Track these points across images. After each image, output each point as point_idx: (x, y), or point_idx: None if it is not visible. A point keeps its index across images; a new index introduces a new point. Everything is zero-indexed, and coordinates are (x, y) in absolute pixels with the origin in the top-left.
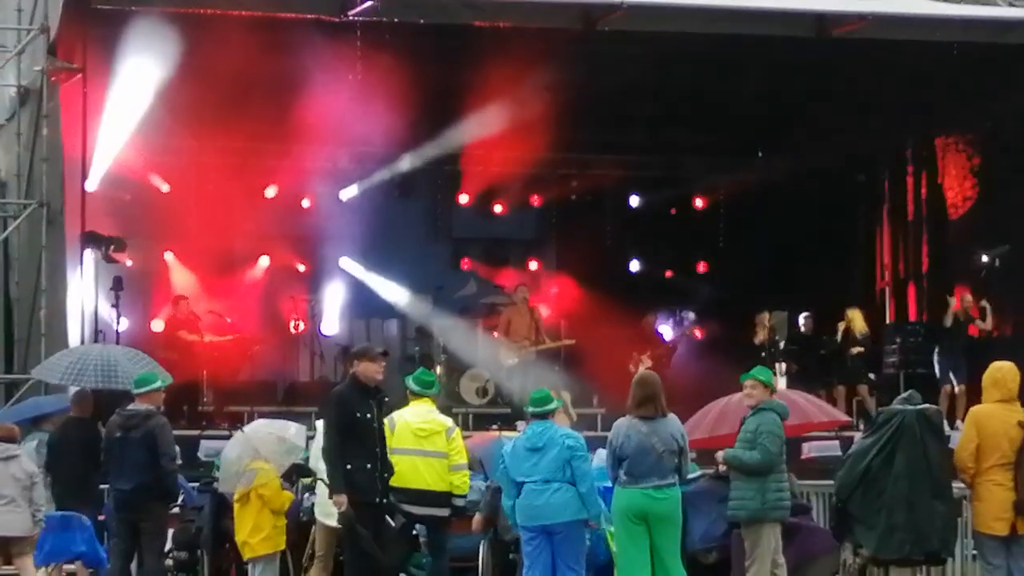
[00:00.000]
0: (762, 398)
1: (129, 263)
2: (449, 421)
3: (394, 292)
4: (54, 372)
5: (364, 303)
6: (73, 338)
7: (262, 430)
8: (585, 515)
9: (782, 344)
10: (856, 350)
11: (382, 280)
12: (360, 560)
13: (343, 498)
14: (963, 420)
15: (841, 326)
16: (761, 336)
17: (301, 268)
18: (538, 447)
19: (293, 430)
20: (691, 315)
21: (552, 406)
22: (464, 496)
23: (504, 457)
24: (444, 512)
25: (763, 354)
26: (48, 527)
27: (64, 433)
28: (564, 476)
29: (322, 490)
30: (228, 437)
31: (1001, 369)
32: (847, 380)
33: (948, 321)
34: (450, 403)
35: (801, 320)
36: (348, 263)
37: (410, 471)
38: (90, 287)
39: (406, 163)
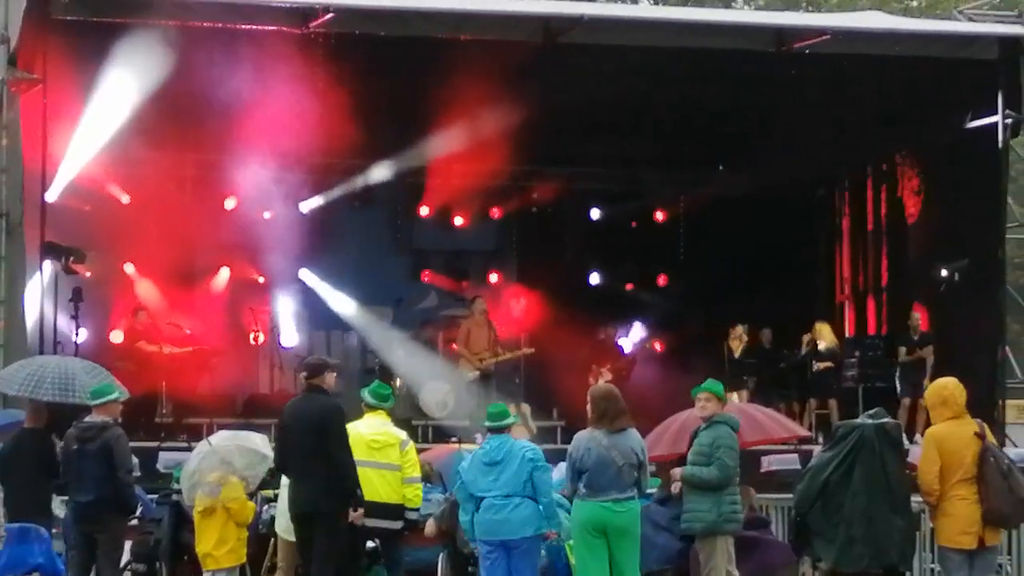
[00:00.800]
0: (715, 411)
1: (88, 274)
2: (403, 434)
3: (350, 305)
4: (11, 383)
5: (324, 315)
6: (32, 349)
7: (228, 442)
8: (545, 529)
9: (741, 361)
10: (823, 365)
11: (340, 293)
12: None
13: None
14: (922, 434)
15: (806, 338)
16: (737, 348)
17: (261, 280)
18: (497, 461)
19: (258, 440)
20: (649, 329)
21: (509, 420)
22: (417, 509)
23: (461, 473)
24: (397, 525)
25: (732, 366)
26: (6, 539)
27: (17, 444)
28: (525, 490)
29: (282, 504)
30: (187, 449)
31: (947, 387)
32: (817, 394)
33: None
34: (411, 415)
35: (762, 335)
36: (307, 275)
37: (363, 483)
38: (49, 298)
39: (367, 175)
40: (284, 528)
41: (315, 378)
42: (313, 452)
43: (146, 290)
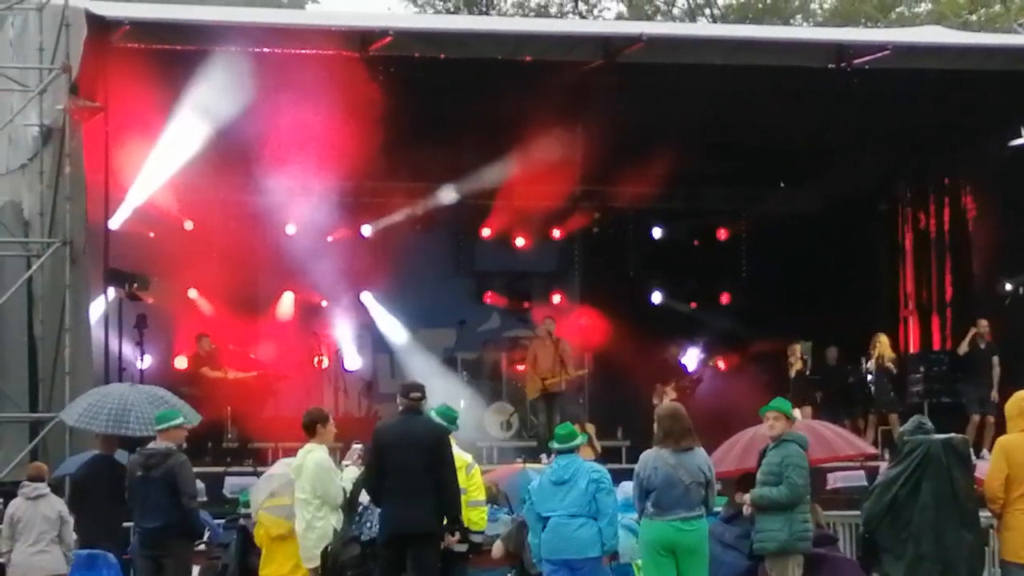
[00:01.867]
0: (784, 430)
1: (151, 301)
2: (469, 457)
3: (401, 332)
4: (72, 414)
5: (386, 337)
6: (97, 377)
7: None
8: (607, 550)
9: (807, 376)
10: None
11: (393, 317)
12: None
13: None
14: (990, 449)
15: (874, 352)
16: (797, 367)
17: (324, 304)
18: (564, 480)
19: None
20: (712, 347)
21: (577, 441)
22: (481, 532)
23: (530, 493)
24: (461, 548)
25: (794, 384)
26: (75, 565)
27: (90, 471)
28: (590, 510)
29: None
30: (253, 474)
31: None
32: (880, 409)
33: (963, 348)
34: (475, 437)
35: (828, 352)
36: (368, 298)
37: None
38: (114, 325)
39: (429, 199)
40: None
41: (417, 400)
42: (422, 473)
43: (209, 315)
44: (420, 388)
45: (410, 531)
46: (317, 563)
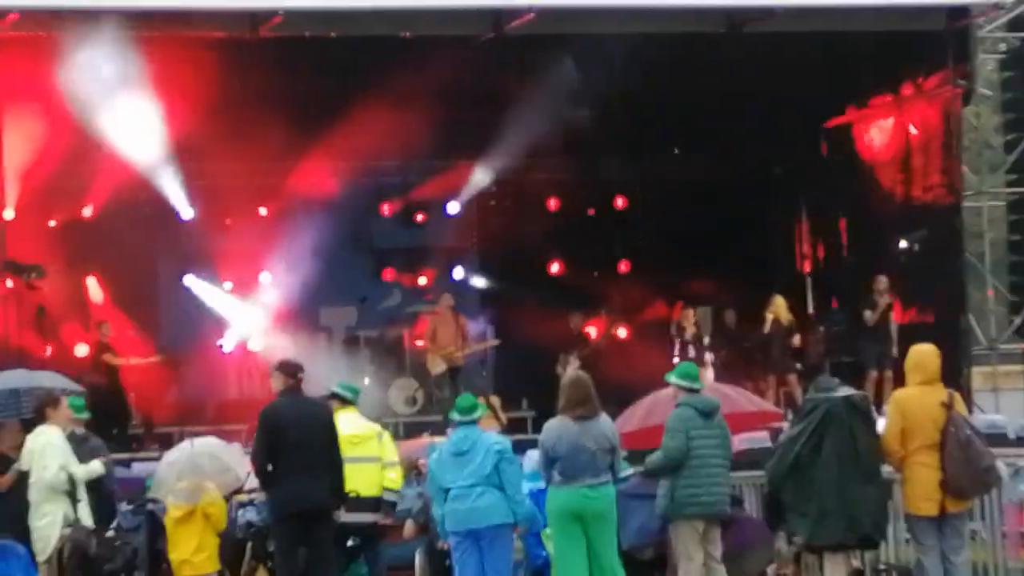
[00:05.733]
0: (680, 395)
1: (48, 290)
2: (377, 426)
3: (312, 308)
4: None
5: (289, 317)
6: None
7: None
8: (512, 519)
9: (706, 339)
10: (796, 339)
11: (302, 295)
12: None
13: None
14: None
15: (769, 316)
16: (690, 331)
17: (228, 286)
18: (463, 451)
19: (221, 446)
20: (613, 315)
21: (478, 413)
22: (398, 491)
23: (431, 466)
24: (377, 517)
25: (689, 348)
26: None
27: None
28: (491, 480)
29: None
30: (159, 459)
31: (920, 352)
32: (777, 370)
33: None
34: (380, 413)
35: (725, 315)
36: (269, 278)
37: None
38: (12, 315)
39: (326, 177)
40: None
41: (298, 380)
42: (320, 452)
43: (109, 303)
44: (302, 368)
45: (311, 508)
46: (47, 555)
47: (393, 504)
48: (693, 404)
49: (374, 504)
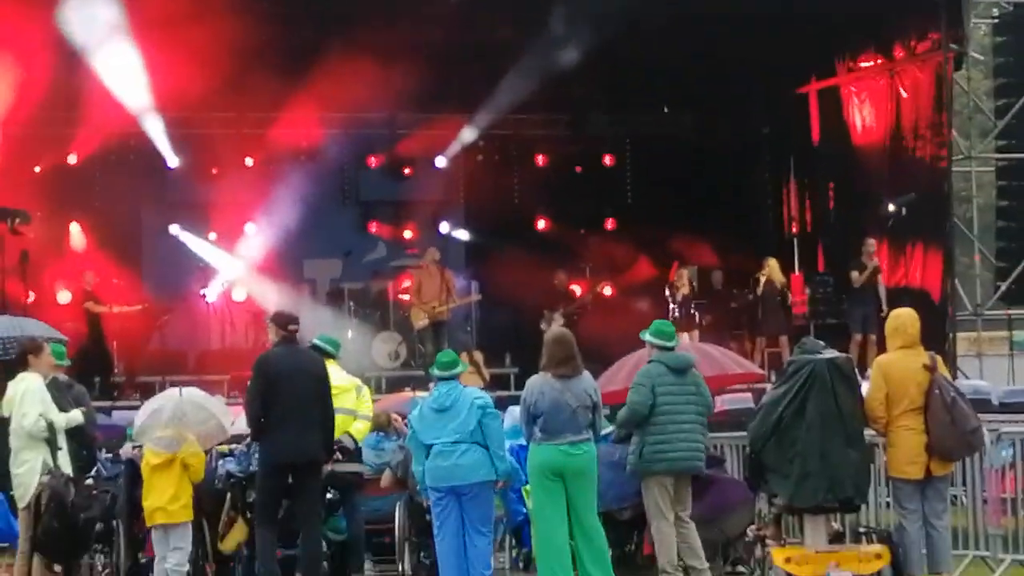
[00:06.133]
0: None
1: (33, 236)
2: (357, 380)
3: (297, 259)
4: None
5: (273, 268)
6: None
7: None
8: (495, 476)
9: (692, 302)
10: (790, 300)
11: (287, 246)
12: None
13: None
14: None
15: (762, 277)
16: (684, 291)
17: (212, 236)
18: (446, 407)
19: (204, 397)
20: (599, 272)
21: (459, 369)
22: (354, 442)
23: (412, 422)
24: (361, 468)
25: (677, 308)
26: None
27: None
28: (474, 436)
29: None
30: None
31: (900, 316)
32: (771, 331)
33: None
34: (363, 366)
35: (712, 276)
36: (254, 229)
37: None
38: None
39: (313, 128)
40: None
41: (295, 331)
42: (313, 403)
43: (93, 250)
44: (296, 319)
45: (303, 459)
46: (26, 502)
47: (346, 449)
48: (664, 361)
49: (355, 455)
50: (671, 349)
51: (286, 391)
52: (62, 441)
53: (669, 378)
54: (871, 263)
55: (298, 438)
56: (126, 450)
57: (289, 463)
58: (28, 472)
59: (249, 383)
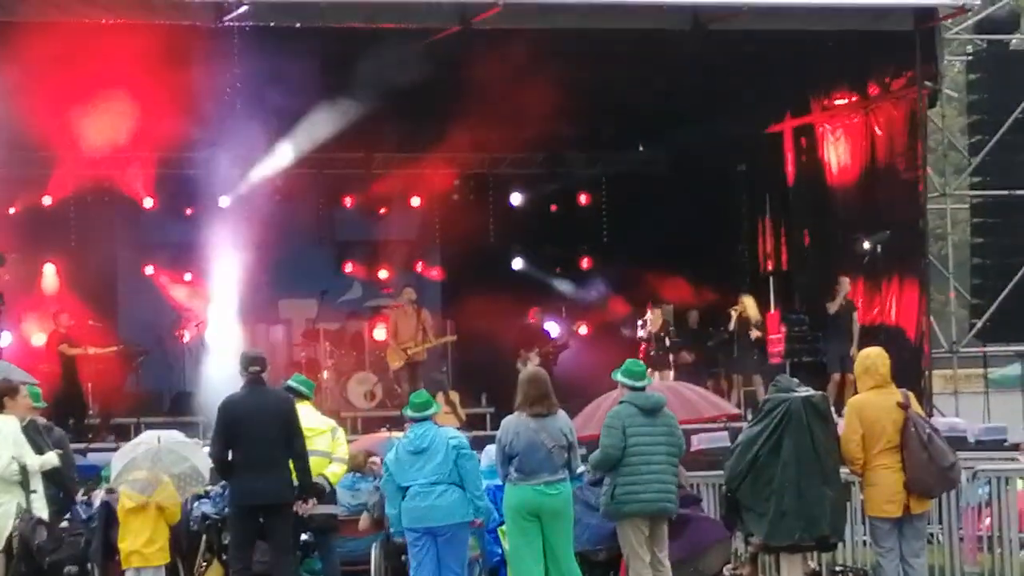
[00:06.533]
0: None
1: (7, 278)
2: (332, 422)
3: (273, 299)
4: None
5: (249, 309)
6: None
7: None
8: (472, 516)
9: (667, 341)
10: (755, 334)
11: (263, 286)
12: None
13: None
14: None
15: (734, 313)
16: (656, 328)
17: (187, 277)
18: (423, 449)
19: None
20: (575, 312)
21: (432, 410)
22: (329, 484)
23: (387, 465)
24: (337, 509)
25: (654, 347)
26: None
27: None
28: (451, 477)
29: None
30: (115, 450)
31: (869, 356)
32: (745, 369)
33: (833, 307)
34: (339, 407)
35: (689, 315)
36: (231, 269)
37: None
38: None
39: (288, 168)
40: None
41: (259, 372)
42: (276, 444)
43: (67, 291)
44: (262, 360)
45: (266, 501)
46: (1, 545)
47: (322, 491)
48: (634, 401)
49: (330, 497)
50: (642, 389)
51: (248, 433)
52: (36, 484)
53: (640, 419)
54: (845, 302)
55: (262, 480)
56: (99, 493)
57: (252, 505)
58: (3, 515)
59: (215, 425)
